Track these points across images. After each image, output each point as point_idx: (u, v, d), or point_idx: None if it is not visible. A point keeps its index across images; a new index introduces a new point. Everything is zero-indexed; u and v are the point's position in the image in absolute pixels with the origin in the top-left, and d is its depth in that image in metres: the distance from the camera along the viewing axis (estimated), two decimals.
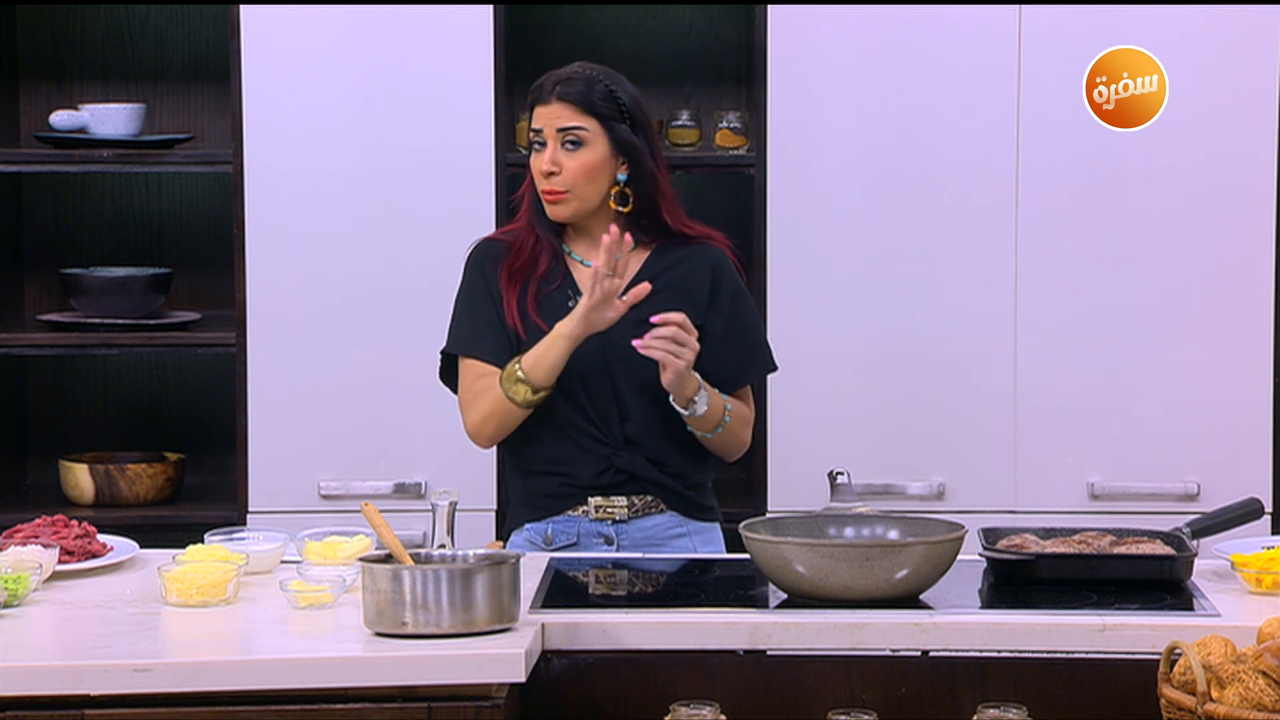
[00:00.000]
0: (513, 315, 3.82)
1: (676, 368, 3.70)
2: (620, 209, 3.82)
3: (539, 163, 3.81)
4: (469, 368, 3.86)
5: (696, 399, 3.75)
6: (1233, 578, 3.41)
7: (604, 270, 3.68)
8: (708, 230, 3.93)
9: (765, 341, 3.96)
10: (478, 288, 3.88)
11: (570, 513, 3.84)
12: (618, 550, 3.81)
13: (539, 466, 3.86)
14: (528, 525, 3.87)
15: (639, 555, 3.77)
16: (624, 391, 3.81)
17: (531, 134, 3.83)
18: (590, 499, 3.83)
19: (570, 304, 3.80)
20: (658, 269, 3.86)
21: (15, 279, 5.30)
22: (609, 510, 3.83)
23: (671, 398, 3.76)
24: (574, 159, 3.79)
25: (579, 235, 3.88)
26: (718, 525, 3.94)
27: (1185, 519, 3.60)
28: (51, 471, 5.14)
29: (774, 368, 3.97)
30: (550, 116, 3.80)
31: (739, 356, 3.87)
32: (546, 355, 3.74)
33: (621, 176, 3.82)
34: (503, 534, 4.72)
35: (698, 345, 3.72)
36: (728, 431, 3.83)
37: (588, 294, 3.70)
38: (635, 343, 3.70)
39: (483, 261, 3.89)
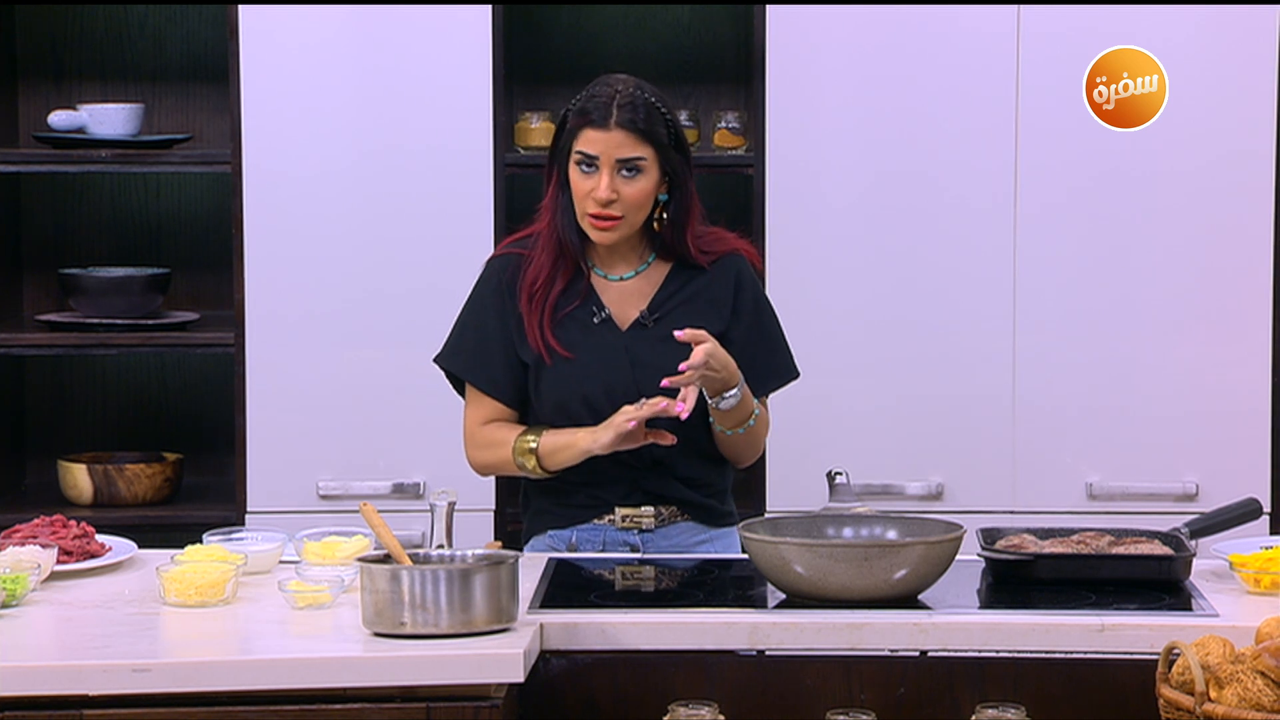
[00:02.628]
0: (535, 338, 3.75)
1: (713, 384, 3.66)
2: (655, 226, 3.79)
3: (590, 187, 3.69)
4: (478, 402, 3.79)
5: (728, 394, 3.68)
6: (1231, 578, 3.41)
7: (623, 431, 3.64)
8: (730, 243, 3.87)
9: (787, 348, 3.90)
10: (489, 308, 3.79)
11: (596, 521, 3.81)
12: (642, 557, 3.79)
13: (560, 484, 3.79)
14: (550, 531, 3.83)
15: (638, 555, 3.77)
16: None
17: (579, 155, 3.70)
18: (616, 509, 3.80)
19: (595, 320, 3.76)
20: (681, 280, 3.81)
21: (14, 279, 5.30)
22: (636, 520, 3.81)
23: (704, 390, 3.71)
24: (631, 186, 3.70)
25: (600, 252, 3.81)
26: (735, 529, 3.89)
27: (1184, 519, 3.60)
28: (50, 471, 5.14)
29: (796, 374, 3.91)
30: (610, 143, 3.68)
31: (762, 365, 3.82)
32: (563, 454, 3.71)
33: (662, 197, 3.77)
34: (500, 536, 4.73)
35: (724, 353, 3.65)
36: (750, 433, 3.78)
37: (613, 432, 3.64)
38: (665, 382, 3.60)
39: (500, 279, 3.80)
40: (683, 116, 5.03)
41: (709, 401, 3.70)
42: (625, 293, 3.80)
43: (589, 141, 3.69)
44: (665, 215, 3.77)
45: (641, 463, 3.77)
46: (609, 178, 3.69)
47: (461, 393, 3.88)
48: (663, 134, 3.71)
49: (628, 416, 3.62)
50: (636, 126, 3.69)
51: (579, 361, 3.73)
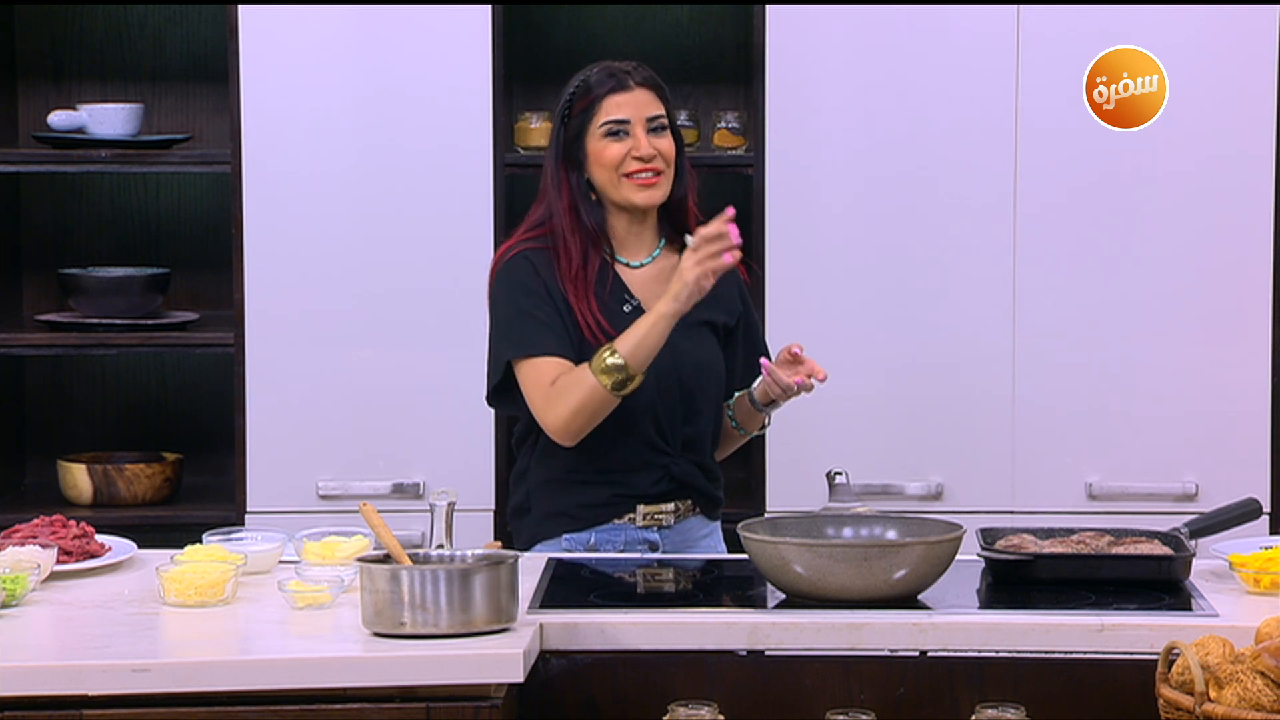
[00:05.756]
0: (589, 325, 3.74)
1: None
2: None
3: (625, 149, 3.76)
4: (540, 367, 3.72)
5: (780, 405, 3.85)
6: (1231, 578, 3.41)
7: (716, 238, 3.63)
8: None
9: (765, 344, 4.01)
10: (536, 292, 3.76)
11: (616, 521, 3.82)
12: (662, 555, 3.80)
13: (587, 477, 3.80)
14: (566, 535, 3.82)
15: (636, 555, 3.77)
16: (695, 394, 3.80)
17: (609, 124, 3.75)
18: (639, 507, 3.81)
19: (625, 308, 3.78)
20: None
21: (13, 279, 5.30)
22: (657, 517, 3.82)
23: (757, 395, 3.83)
24: (662, 142, 3.79)
25: (619, 238, 3.84)
26: (719, 521, 3.97)
27: (1183, 519, 3.60)
28: (50, 471, 5.14)
29: None
30: (637, 103, 3.78)
31: (755, 363, 3.90)
32: (648, 338, 3.65)
33: None
34: (500, 536, 4.72)
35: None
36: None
37: (696, 261, 3.62)
38: (796, 380, 3.75)
39: (536, 268, 3.78)
40: (683, 116, 5.03)
41: (763, 410, 3.84)
42: (645, 280, 3.84)
43: (616, 106, 3.78)
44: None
45: (673, 448, 3.81)
46: (645, 135, 3.77)
47: (500, 405, 3.86)
48: (669, 95, 3.85)
49: (700, 252, 3.62)
50: (654, 85, 3.81)
51: None
